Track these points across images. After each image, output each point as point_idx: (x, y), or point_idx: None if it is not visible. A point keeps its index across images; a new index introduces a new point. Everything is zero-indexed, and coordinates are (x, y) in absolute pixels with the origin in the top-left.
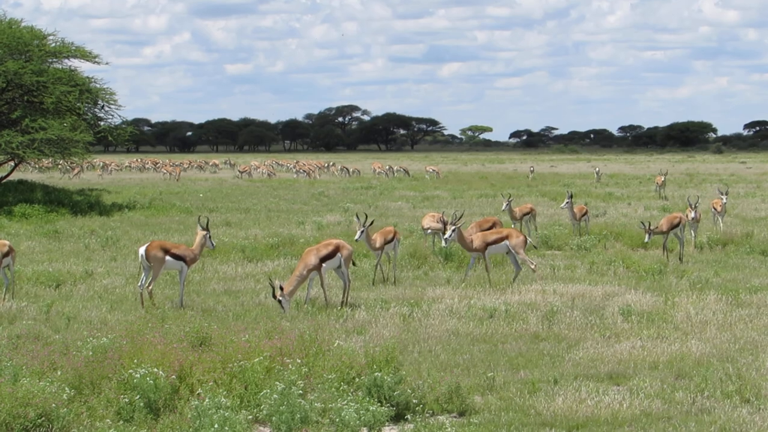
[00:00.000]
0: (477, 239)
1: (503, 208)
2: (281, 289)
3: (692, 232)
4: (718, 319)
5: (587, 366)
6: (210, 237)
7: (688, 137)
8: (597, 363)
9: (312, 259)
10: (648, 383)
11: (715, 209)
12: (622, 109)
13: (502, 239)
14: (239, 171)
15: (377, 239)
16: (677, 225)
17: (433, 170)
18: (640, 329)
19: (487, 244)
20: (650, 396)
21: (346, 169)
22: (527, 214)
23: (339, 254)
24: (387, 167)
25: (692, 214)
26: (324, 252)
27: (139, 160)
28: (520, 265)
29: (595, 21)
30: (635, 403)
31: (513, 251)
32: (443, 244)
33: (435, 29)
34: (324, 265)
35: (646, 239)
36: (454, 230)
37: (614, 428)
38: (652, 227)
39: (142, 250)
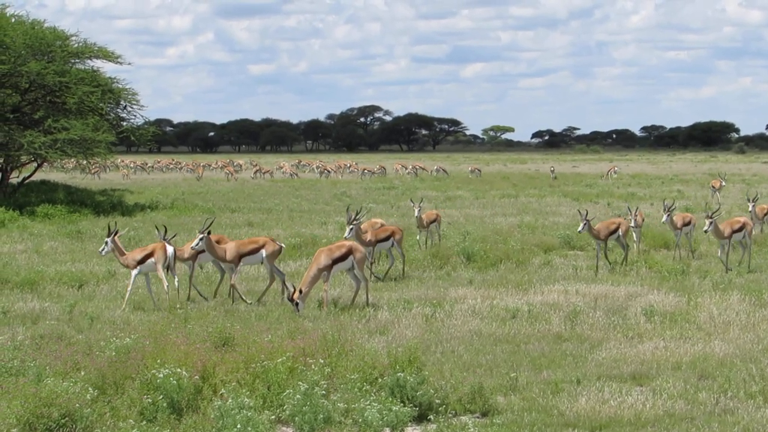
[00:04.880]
0: (230, 249)
1: (415, 214)
2: (300, 291)
3: (678, 237)
4: (741, 320)
5: (610, 366)
6: (202, 240)
7: (710, 137)
8: (620, 363)
9: (324, 260)
10: (671, 384)
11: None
12: (645, 109)
13: (257, 249)
14: (261, 171)
15: (186, 248)
16: (615, 231)
17: (477, 170)
18: (663, 330)
19: (241, 256)
20: (673, 396)
21: (384, 168)
22: (434, 221)
23: (351, 257)
24: (411, 167)
25: (665, 219)
26: (337, 254)
27: (159, 160)
28: (274, 276)
29: (619, 21)
30: (658, 404)
31: (266, 262)
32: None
33: (458, 29)
34: (335, 266)
35: (579, 229)
36: (201, 239)
37: (637, 429)
38: (587, 217)
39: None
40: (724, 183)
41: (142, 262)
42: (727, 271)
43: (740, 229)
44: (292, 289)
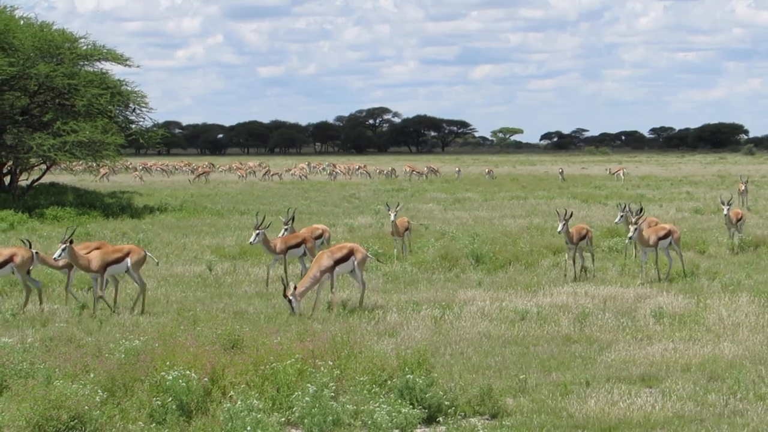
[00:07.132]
0: (94, 259)
1: (391, 219)
2: (294, 288)
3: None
4: (750, 321)
5: (619, 368)
6: (65, 250)
7: (719, 139)
8: (629, 365)
9: (326, 261)
10: (680, 385)
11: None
12: (654, 111)
13: (122, 258)
14: (269, 173)
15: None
16: (584, 237)
17: (490, 171)
18: (672, 331)
19: (106, 265)
20: (683, 398)
21: (431, 170)
22: (407, 229)
23: (353, 258)
24: (426, 169)
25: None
26: (338, 255)
27: (168, 163)
28: (138, 285)
29: (628, 23)
30: (668, 406)
31: (131, 271)
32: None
33: (467, 31)
34: (337, 268)
35: (559, 229)
36: (63, 249)
37: (646, 431)
38: (566, 217)
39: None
40: (745, 185)
41: None
42: (660, 279)
43: (665, 236)
44: (290, 287)
